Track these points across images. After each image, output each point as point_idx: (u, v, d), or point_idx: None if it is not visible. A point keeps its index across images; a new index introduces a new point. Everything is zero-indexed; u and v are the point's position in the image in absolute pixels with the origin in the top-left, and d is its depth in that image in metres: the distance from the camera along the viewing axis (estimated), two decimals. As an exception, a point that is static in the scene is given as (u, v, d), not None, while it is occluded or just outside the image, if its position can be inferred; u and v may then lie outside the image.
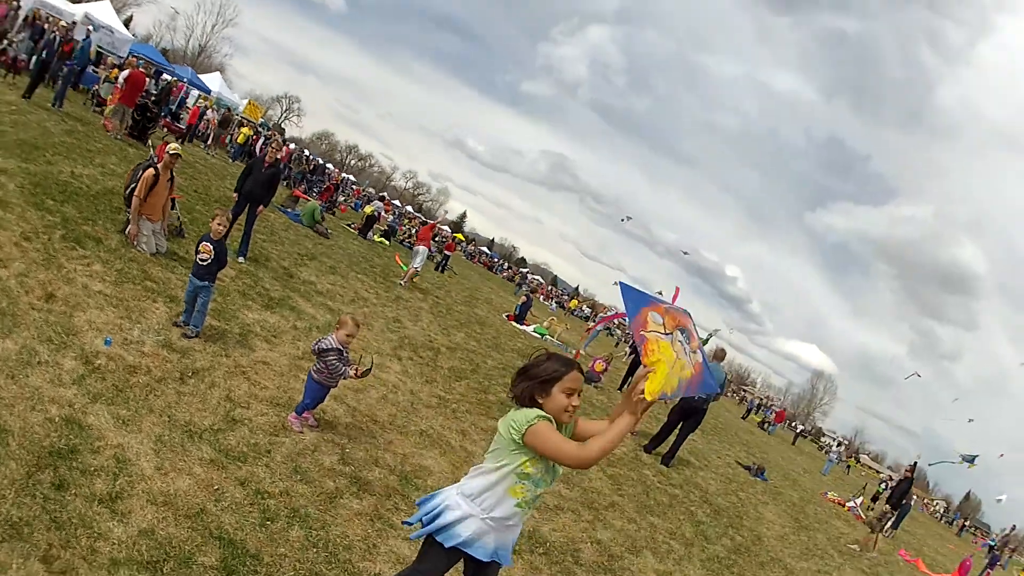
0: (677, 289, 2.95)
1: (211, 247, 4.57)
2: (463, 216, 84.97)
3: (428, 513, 2.15)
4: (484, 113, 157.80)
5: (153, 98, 14.02)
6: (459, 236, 39.57)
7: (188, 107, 20.26)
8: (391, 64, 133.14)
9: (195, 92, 22.73)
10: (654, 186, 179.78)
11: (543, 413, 2.03)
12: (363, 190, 37.47)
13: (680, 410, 8.62)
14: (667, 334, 2.30)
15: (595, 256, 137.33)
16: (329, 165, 35.05)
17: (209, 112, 20.23)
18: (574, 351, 14.88)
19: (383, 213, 24.19)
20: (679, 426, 8.64)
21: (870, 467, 60.78)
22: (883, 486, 19.08)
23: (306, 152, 27.27)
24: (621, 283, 2.40)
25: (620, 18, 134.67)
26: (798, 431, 38.08)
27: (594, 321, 26.02)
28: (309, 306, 6.91)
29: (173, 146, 6.46)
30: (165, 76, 20.97)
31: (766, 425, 30.75)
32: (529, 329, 14.76)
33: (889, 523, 14.58)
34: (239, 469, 3.21)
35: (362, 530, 3.18)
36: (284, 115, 65.44)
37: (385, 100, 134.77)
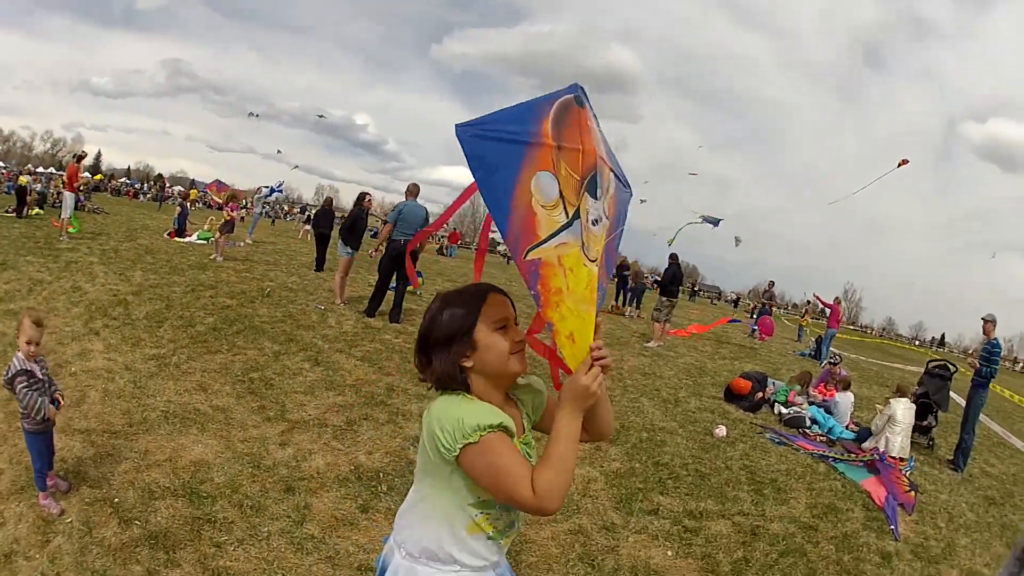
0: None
1: None
2: (98, 156, 78.82)
3: None
4: (102, 44, 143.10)
5: None
6: (98, 176, 39.07)
7: None
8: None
9: None
10: (270, 63, 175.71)
11: (495, 417, 1.22)
12: (11, 172, 35.29)
13: (390, 259, 7.70)
14: (568, 224, 1.17)
15: (225, 147, 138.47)
16: (-16, 162, 32.10)
17: None
18: (242, 243, 15.13)
19: (32, 185, 22.93)
20: (394, 276, 7.79)
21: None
22: None
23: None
24: (459, 130, 1.12)
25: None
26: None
27: (246, 208, 26.01)
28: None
29: None
30: None
31: (444, 250, 33.72)
32: (193, 239, 14.43)
33: (634, 304, 16.38)
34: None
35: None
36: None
37: (17, 68, 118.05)
